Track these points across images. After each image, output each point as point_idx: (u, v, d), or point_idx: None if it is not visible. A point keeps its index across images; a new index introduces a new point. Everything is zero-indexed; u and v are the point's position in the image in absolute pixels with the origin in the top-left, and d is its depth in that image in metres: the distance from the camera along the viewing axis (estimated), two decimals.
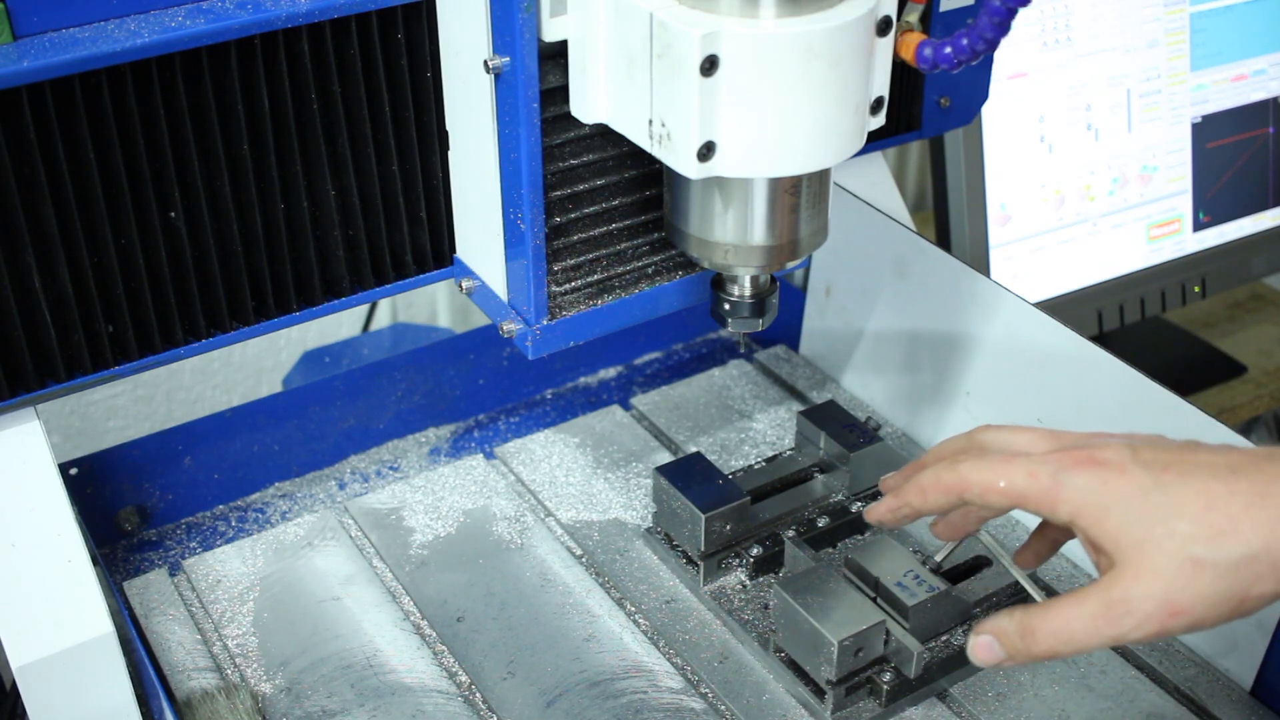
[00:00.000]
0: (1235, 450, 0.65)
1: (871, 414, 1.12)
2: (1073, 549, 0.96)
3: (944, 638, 0.87)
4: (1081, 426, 0.94)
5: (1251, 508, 0.62)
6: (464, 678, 0.89)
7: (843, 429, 0.99)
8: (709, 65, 0.69)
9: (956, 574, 0.90)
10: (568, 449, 1.08)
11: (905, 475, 0.77)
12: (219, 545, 1.00)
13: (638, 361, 1.21)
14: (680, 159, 0.72)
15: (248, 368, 1.72)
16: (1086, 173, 1.33)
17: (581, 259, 0.85)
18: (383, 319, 1.70)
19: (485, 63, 0.76)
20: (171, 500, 1.03)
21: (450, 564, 0.97)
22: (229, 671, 0.89)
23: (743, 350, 1.19)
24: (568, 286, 0.85)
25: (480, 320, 1.67)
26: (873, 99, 0.76)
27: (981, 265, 1.28)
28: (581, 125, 0.79)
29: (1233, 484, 0.63)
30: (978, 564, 0.91)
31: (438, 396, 1.13)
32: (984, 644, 0.69)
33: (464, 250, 0.89)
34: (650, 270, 0.88)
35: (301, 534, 1.00)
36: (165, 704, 0.77)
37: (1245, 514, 0.62)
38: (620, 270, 0.87)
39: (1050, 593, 0.94)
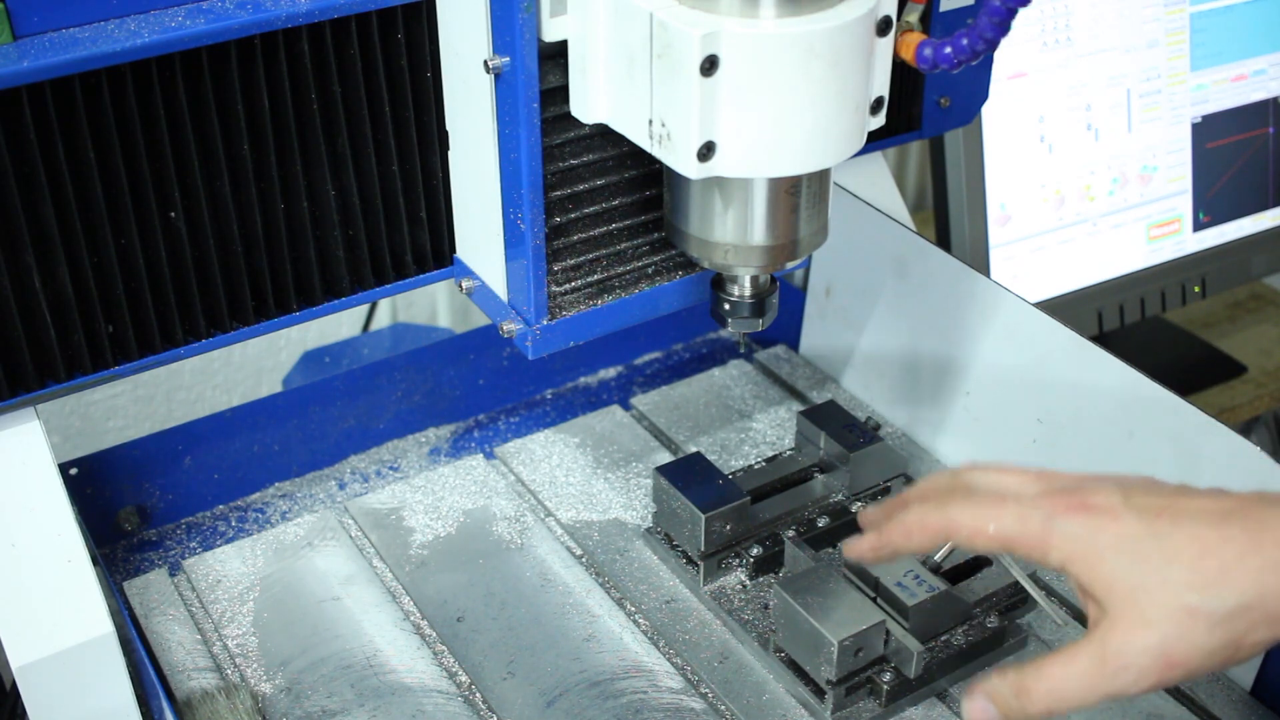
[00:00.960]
0: (1227, 494, 0.65)
1: (871, 414, 1.12)
2: None
3: (944, 638, 0.87)
4: (1081, 426, 0.95)
5: (1246, 555, 0.61)
6: (464, 678, 0.89)
7: (843, 429, 0.99)
8: (709, 65, 0.69)
9: (956, 574, 0.90)
10: (568, 449, 1.08)
11: (886, 512, 0.75)
12: (219, 545, 1.00)
13: (638, 361, 1.21)
14: (680, 159, 0.72)
15: (248, 368, 1.72)
16: (1086, 173, 1.33)
17: (581, 259, 0.85)
18: (383, 319, 1.69)
19: (485, 63, 0.76)
20: (171, 500, 1.03)
21: (450, 564, 0.97)
22: (229, 671, 0.89)
23: (743, 350, 1.19)
24: (568, 286, 0.85)
25: (480, 320, 1.67)
26: (873, 99, 0.76)
27: (981, 265, 1.28)
28: (581, 125, 0.79)
29: (1225, 530, 0.62)
30: (978, 564, 0.91)
31: (438, 396, 1.13)
32: (979, 707, 0.67)
33: (464, 250, 0.89)
34: (650, 270, 0.88)
35: (301, 534, 1.00)
36: (165, 704, 0.77)
37: (1239, 562, 0.61)
38: (620, 270, 0.87)
39: (1050, 593, 0.94)
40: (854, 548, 0.75)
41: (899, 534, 0.72)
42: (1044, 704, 0.65)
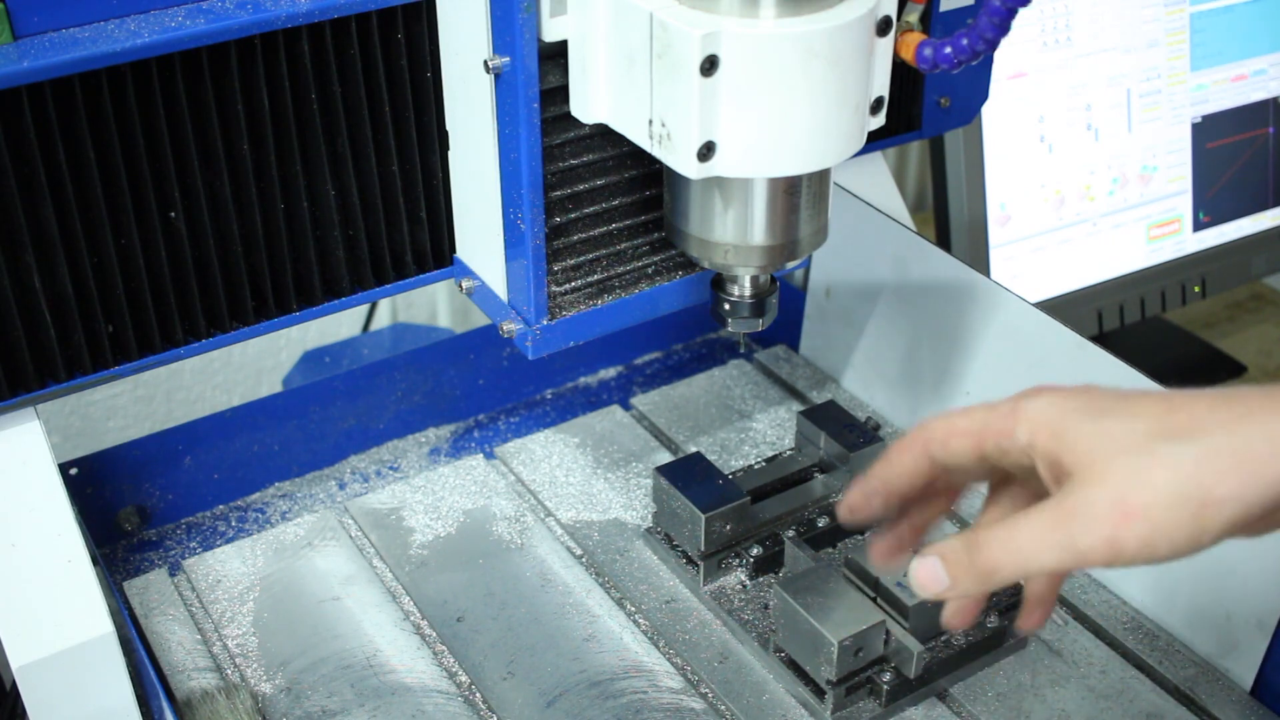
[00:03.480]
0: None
1: (871, 414, 1.12)
2: None
3: (944, 638, 0.87)
4: None
5: (1215, 409, 0.57)
6: (464, 678, 0.89)
7: (843, 429, 0.99)
8: (709, 65, 0.69)
9: None
10: (568, 449, 1.08)
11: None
12: (219, 545, 1.00)
13: (638, 361, 1.21)
14: (680, 159, 0.72)
15: (248, 368, 1.72)
16: (1086, 173, 1.33)
17: (581, 259, 0.85)
18: (383, 319, 1.69)
19: (485, 63, 0.76)
20: (171, 500, 1.03)
21: (450, 564, 0.97)
22: (229, 671, 0.89)
23: (743, 350, 1.19)
24: (568, 286, 0.85)
25: (480, 320, 1.67)
26: (873, 99, 0.76)
27: (981, 265, 1.28)
28: (581, 125, 0.79)
29: (1195, 394, 0.59)
30: None
31: (438, 396, 1.13)
32: (927, 567, 0.62)
33: (464, 250, 0.89)
34: (650, 270, 0.88)
35: (301, 534, 1.00)
36: (165, 704, 0.77)
37: (1209, 413, 0.57)
38: (620, 270, 0.87)
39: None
40: (844, 503, 0.71)
41: (880, 464, 0.68)
42: (995, 556, 0.60)
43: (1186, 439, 0.57)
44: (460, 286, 0.89)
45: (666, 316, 0.91)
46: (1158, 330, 1.51)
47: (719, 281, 0.85)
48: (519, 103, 0.75)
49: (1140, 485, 0.57)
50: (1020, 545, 0.59)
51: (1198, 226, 1.41)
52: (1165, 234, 1.39)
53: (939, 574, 0.62)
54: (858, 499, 0.70)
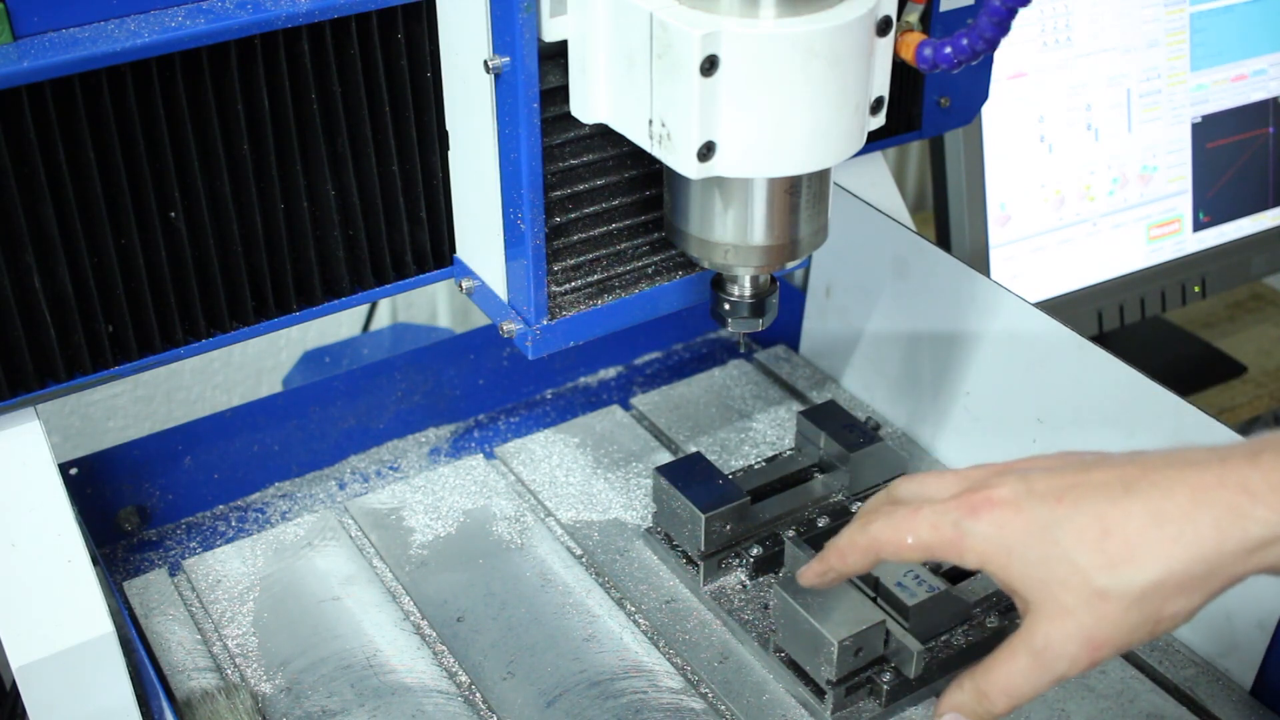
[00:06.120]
0: (1133, 462, 0.65)
1: (871, 414, 1.12)
2: None
3: (944, 638, 0.87)
4: (1081, 426, 0.95)
5: (1147, 530, 0.62)
6: (464, 678, 0.89)
7: (843, 429, 0.99)
8: (709, 65, 0.69)
9: (956, 574, 0.90)
10: (568, 449, 1.08)
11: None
12: (219, 545, 1.00)
13: (638, 361, 1.21)
14: (680, 159, 0.72)
15: (248, 368, 1.72)
16: (1086, 173, 1.33)
17: (581, 259, 0.85)
18: (383, 319, 1.70)
19: (485, 63, 0.76)
20: (171, 500, 1.03)
21: (450, 564, 0.97)
22: (229, 671, 0.89)
23: (743, 350, 1.19)
24: (568, 286, 0.85)
25: (480, 320, 1.67)
26: (873, 99, 0.76)
27: (981, 265, 1.28)
28: (581, 125, 0.79)
29: (1127, 506, 0.63)
30: None
31: (438, 396, 1.13)
32: None
33: (464, 250, 0.89)
34: (650, 270, 0.88)
35: (301, 534, 1.00)
36: (165, 704, 0.77)
37: (1141, 538, 0.62)
38: (620, 270, 0.87)
39: None
40: (805, 575, 0.78)
41: (835, 558, 0.74)
42: (1004, 703, 0.67)
43: (1129, 574, 0.62)
44: (460, 286, 0.89)
45: (666, 316, 0.91)
46: (1158, 330, 1.51)
47: (719, 281, 0.85)
48: (519, 103, 0.75)
49: (1099, 623, 0.63)
50: (1020, 688, 0.67)
51: (1198, 226, 1.41)
52: (1165, 234, 1.40)
53: None
54: (816, 581, 0.77)
